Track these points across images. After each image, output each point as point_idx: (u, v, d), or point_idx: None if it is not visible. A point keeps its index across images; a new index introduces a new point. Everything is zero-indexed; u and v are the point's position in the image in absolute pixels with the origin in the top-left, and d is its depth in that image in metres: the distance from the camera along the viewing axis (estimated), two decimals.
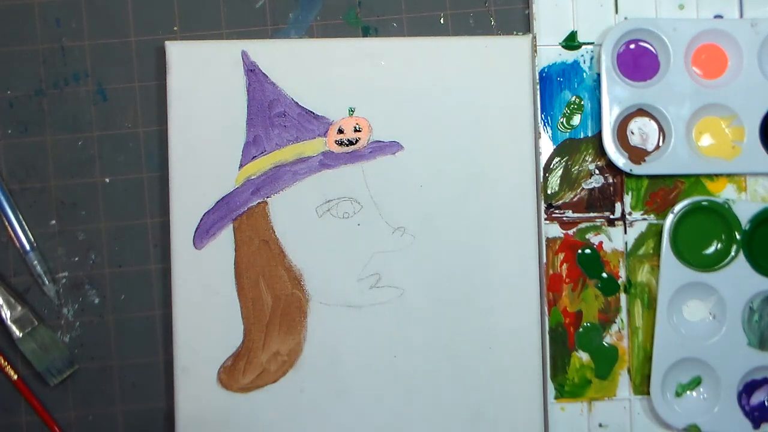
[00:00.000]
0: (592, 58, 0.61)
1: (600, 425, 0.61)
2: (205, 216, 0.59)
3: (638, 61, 0.61)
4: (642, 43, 0.61)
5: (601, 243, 0.61)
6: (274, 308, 0.59)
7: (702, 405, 0.60)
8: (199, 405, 0.59)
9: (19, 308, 0.58)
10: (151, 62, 0.61)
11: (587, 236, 0.61)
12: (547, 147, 0.61)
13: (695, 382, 0.61)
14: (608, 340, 0.61)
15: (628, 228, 0.61)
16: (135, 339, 0.60)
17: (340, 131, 0.60)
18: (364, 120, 0.60)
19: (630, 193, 0.61)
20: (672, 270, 0.60)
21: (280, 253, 0.59)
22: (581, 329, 0.61)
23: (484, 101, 0.60)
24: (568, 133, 0.61)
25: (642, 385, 0.61)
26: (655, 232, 0.61)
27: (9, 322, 0.58)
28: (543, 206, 0.61)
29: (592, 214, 0.61)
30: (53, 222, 0.60)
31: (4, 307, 0.58)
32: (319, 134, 0.60)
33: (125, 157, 0.60)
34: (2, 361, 0.59)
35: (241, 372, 0.59)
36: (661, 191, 0.61)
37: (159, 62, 0.60)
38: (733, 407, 0.60)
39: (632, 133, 0.61)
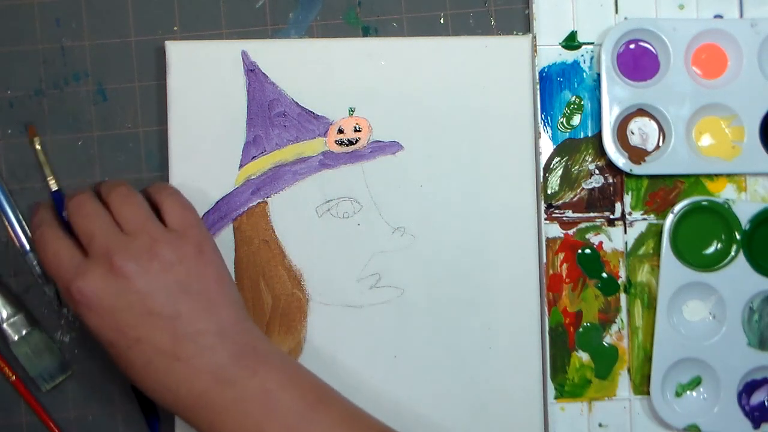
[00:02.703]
0: (592, 58, 0.61)
1: (600, 425, 0.60)
2: (205, 216, 0.59)
3: (638, 61, 0.61)
4: (642, 43, 0.61)
5: (601, 243, 0.61)
6: (274, 308, 0.59)
7: (702, 405, 0.60)
8: None
9: (15, 311, 0.58)
10: (151, 62, 0.61)
11: (587, 236, 0.61)
12: (547, 147, 0.61)
13: (695, 382, 0.61)
14: (608, 340, 0.61)
15: (628, 228, 0.61)
16: None
17: (340, 131, 0.60)
18: (364, 120, 0.60)
19: (630, 193, 0.61)
20: (672, 270, 0.60)
21: (280, 253, 0.59)
22: (581, 329, 0.61)
23: (484, 101, 0.60)
24: (568, 133, 0.61)
25: (642, 385, 0.61)
26: (655, 232, 0.61)
27: (4, 326, 0.58)
28: (543, 206, 0.61)
29: (592, 214, 0.61)
30: None
31: (0, 309, 0.58)
32: (319, 134, 0.60)
33: (125, 157, 0.60)
34: (0, 362, 0.59)
35: None
36: (661, 191, 0.61)
37: (159, 62, 0.60)
38: (733, 407, 0.60)
39: (632, 133, 0.61)
